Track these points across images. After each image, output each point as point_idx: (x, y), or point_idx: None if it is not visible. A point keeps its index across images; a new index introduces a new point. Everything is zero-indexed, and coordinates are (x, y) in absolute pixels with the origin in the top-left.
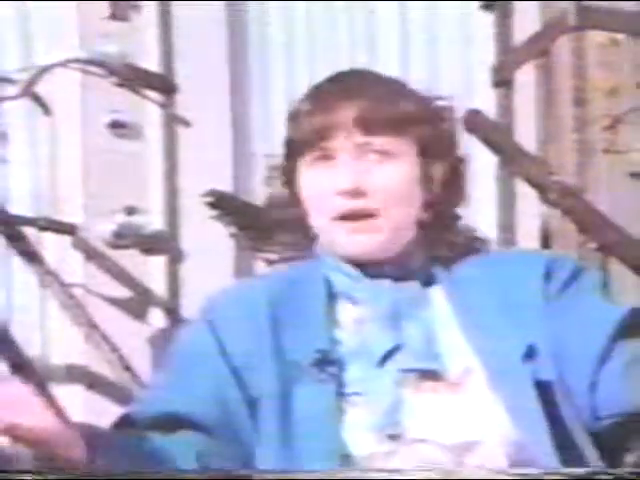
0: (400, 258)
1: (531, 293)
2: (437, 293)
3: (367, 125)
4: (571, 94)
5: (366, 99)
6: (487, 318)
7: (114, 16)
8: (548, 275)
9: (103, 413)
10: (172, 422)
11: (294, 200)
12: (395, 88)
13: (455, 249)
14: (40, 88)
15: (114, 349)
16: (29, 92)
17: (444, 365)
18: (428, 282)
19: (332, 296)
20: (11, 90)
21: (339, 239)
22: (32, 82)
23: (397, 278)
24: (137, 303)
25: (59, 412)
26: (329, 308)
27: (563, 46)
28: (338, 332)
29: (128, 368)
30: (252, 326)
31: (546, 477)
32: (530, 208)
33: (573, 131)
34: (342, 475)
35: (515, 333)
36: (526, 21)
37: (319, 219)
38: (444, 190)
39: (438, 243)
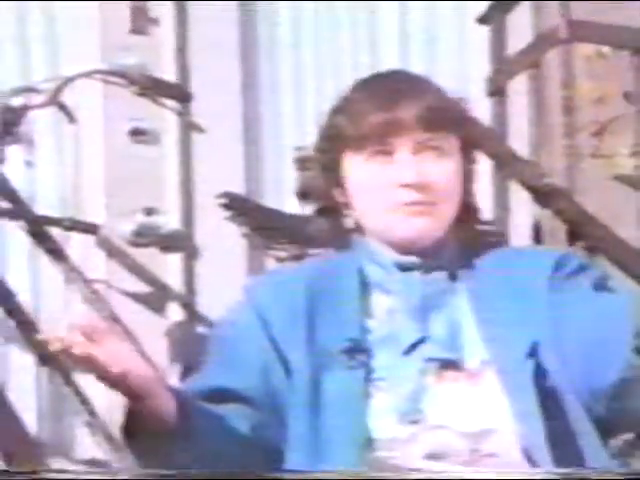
0: (433, 248)
1: (539, 289)
2: (461, 287)
3: (427, 123)
4: (560, 103)
5: (425, 98)
6: (497, 313)
7: (134, 30)
8: (556, 269)
9: (123, 401)
10: (220, 396)
11: (331, 190)
12: (440, 89)
13: (479, 243)
14: (65, 97)
15: (134, 341)
16: (55, 101)
17: (465, 356)
18: (454, 276)
19: (365, 286)
20: (38, 99)
21: (396, 223)
22: (58, 92)
23: (426, 270)
24: (155, 297)
25: (156, 370)
26: (362, 298)
27: (553, 58)
28: (369, 321)
29: (146, 359)
30: (290, 312)
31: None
32: (523, 208)
33: (563, 137)
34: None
35: (521, 328)
36: (519, 35)
37: (372, 207)
38: (472, 183)
39: (466, 237)
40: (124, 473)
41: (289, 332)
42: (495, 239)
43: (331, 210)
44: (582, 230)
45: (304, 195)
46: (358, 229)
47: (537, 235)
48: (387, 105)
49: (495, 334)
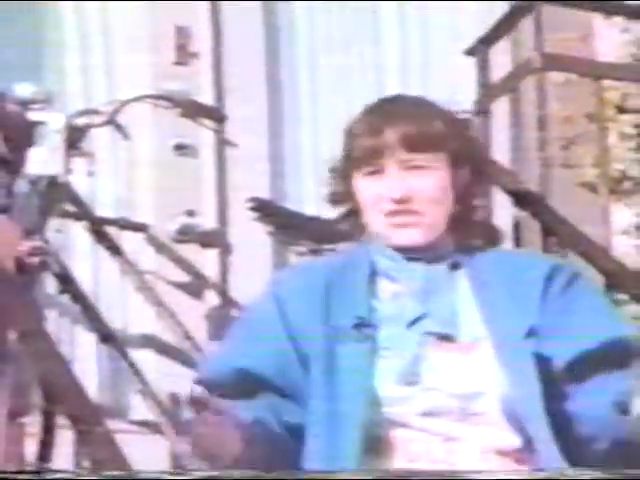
0: (432, 245)
1: (535, 288)
2: (461, 276)
3: (409, 145)
4: (535, 121)
5: (406, 123)
6: (498, 300)
7: (178, 62)
8: (550, 277)
9: (169, 373)
10: (240, 375)
11: (348, 198)
12: (428, 110)
13: (477, 238)
14: (121, 118)
15: (178, 322)
16: (112, 121)
17: (460, 332)
18: (454, 266)
19: (374, 274)
20: (98, 119)
21: (388, 232)
22: (114, 113)
23: (429, 261)
24: (195, 286)
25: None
26: (371, 284)
27: (529, 84)
28: (376, 303)
29: (189, 337)
30: (309, 297)
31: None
32: (504, 211)
33: (537, 150)
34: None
35: (520, 315)
36: (500, 65)
37: (372, 216)
38: (469, 189)
39: (464, 232)
40: (130, 473)
41: (306, 314)
42: (493, 237)
43: (354, 212)
44: (554, 229)
45: (332, 201)
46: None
47: (516, 233)
48: (375, 131)
49: (495, 316)
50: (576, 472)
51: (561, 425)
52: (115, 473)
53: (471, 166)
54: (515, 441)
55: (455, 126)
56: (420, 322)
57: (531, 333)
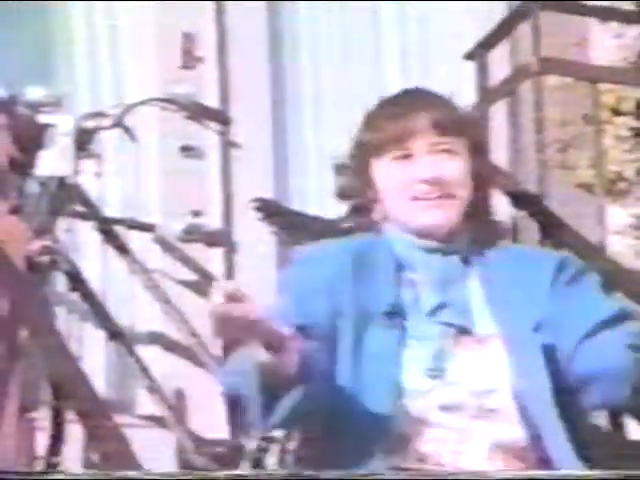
0: (448, 235)
1: (542, 283)
2: (471, 270)
3: (440, 128)
4: (533, 124)
5: (435, 107)
6: (506, 295)
7: (184, 66)
8: (559, 270)
9: (175, 368)
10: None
11: (365, 189)
12: (448, 98)
13: (487, 230)
14: (128, 120)
15: (184, 320)
16: (120, 123)
17: (475, 325)
18: (466, 261)
19: (396, 262)
20: (106, 122)
21: (417, 214)
22: (122, 116)
23: (444, 253)
24: (201, 284)
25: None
26: (395, 271)
27: (526, 88)
28: (401, 290)
29: (194, 334)
30: (339, 278)
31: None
32: (502, 211)
33: (534, 152)
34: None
35: (528, 310)
36: (499, 69)
37: (397, 201)
38: (484, 178)
39: (477, 223)
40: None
41: (341, 288)
42: (501, 231)
43: (363, 207)
44: (550, 228)
45: (342, 196)
46: (387, 220)
47: (514, 233)
48: (406, 114)
49: (503, 311)
50: (576, 472)
51: (571, 418)
52: (118, 473)
53: (485, 155)
54: (524, 438)
55: (473, 114)
56: (439, 312)
57: (539, 327)
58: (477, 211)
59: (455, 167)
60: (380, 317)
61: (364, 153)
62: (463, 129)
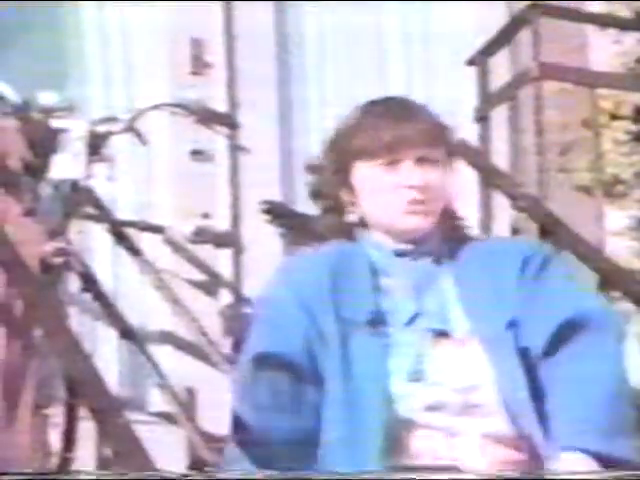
0: (421, 239)
1: (509, 280)
2: (444, 271)
3: (426, 138)
4: (533, 128)
5: (422, 119)
6: (478, 295)
7: (193, 72)
8: (523, 265)
9: (186, 366)
10: (267, 359)
11: (341, 190)
12: (432, 113)
13: (458, 236)
14: (139, 125)
15: (194, 319)
16: (131, 128)
17: (453, 327)
18: (438, 261)
19: (373, 268)
20: (118, 126)
21: (398, 218)
22: (134, 121)
23: (416, 257)
24: (210, 284)
25: None
26: (372, 278)
27: (527, 92)
28: (380, 297)
29: (204, 333)
30: (317, 289)
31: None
32: (503, 212)
33: (535, 155)
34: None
35: (499, 308)
36: (500, 74)
37: (378, 205)
38: (454, 182)
39: (449, 225)
40: (127, 474)
41: (319, 305)
42: (468, 232)
43: (336, 208)
44: (550, 230)
45: (315, 196)
46: (362, 223)
47: (515, 234)
48: (395, 124)
49: (476, 310)
50: (575, 472)
51: (546, 412)
52: (130, 474)
53: (454, 162)
54: (512, 430)
55: (450, 125)
56: (416, 320)
57: (511, 325)
58: (448, 216)
59: (437, 175)
60: (363, 325)
61: (346, 157)
62: (444, 139)
